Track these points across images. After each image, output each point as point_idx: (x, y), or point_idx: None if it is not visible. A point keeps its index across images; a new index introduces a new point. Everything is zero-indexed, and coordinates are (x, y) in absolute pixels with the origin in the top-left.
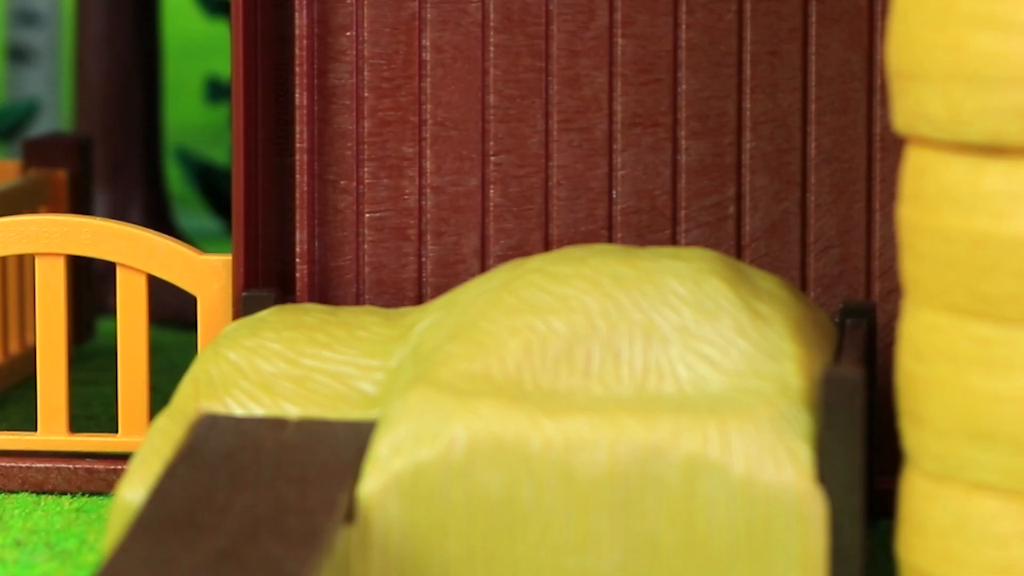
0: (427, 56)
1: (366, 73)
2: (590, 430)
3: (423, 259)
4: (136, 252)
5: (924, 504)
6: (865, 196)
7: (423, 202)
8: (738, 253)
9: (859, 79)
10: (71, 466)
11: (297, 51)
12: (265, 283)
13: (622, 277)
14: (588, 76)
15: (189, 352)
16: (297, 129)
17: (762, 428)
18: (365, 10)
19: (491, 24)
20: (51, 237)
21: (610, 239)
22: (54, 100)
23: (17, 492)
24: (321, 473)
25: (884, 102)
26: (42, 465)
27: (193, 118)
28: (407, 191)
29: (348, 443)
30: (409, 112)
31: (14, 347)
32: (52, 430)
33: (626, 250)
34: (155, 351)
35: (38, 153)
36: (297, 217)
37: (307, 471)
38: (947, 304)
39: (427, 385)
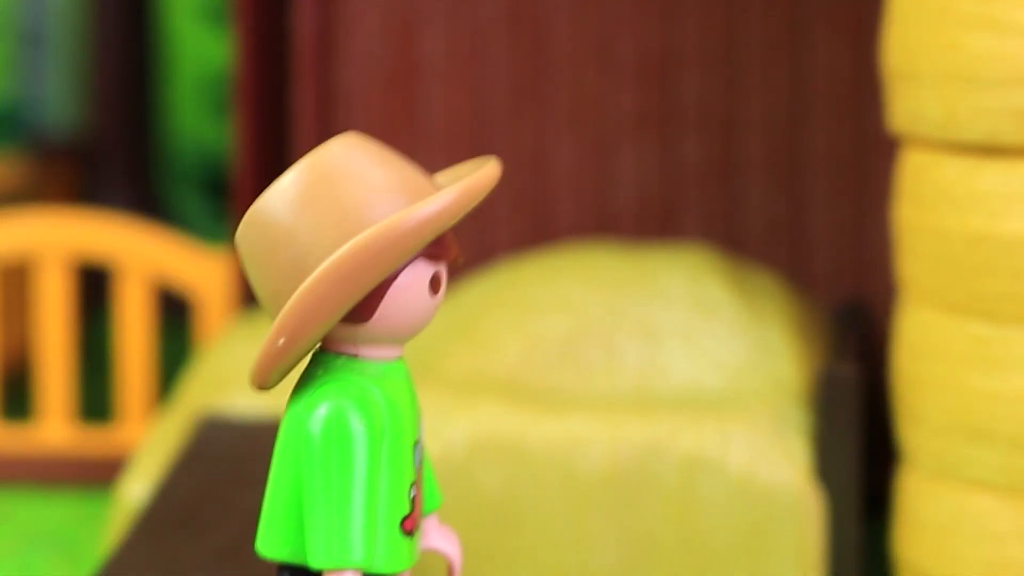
0: (427, 56)
1: (366, 73)
2: (589, 429)
3: None
4: (136, 250)
5: (921, 502)
6: (863, 196)
7: None
8: (738, 252)
9: (858, 80)
10: (73, 463)
11: (297, 51)
12: None
13: (622, 276)
14: (588, 76)
15: (189, 351)
16: (297, 129)
17: (760, 427)
18: (365, 10)
19: (491, 24)
20: (52, 234)
21: (610, 238)
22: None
23: (20, 488)
24: None
25: (882, 103)
26: (44, 461)
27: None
28: None
29: None
30: (409, 112)
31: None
32: (54, 427)
33: (626, 250)
34: (155, 350)
35: (41, 149)
36: None
37: None
38: (943, 303)
39: (427, 384)
